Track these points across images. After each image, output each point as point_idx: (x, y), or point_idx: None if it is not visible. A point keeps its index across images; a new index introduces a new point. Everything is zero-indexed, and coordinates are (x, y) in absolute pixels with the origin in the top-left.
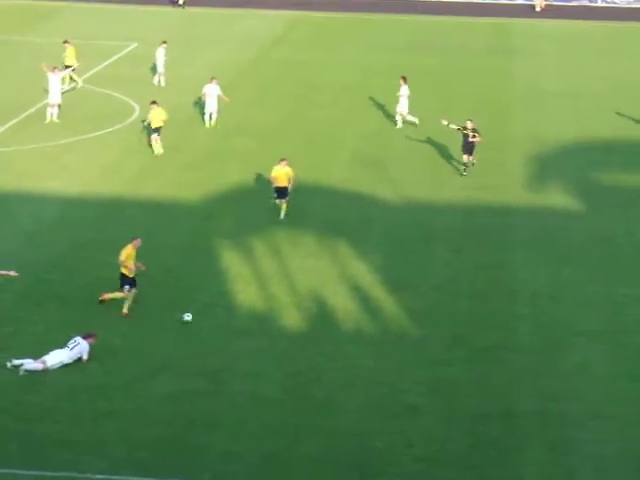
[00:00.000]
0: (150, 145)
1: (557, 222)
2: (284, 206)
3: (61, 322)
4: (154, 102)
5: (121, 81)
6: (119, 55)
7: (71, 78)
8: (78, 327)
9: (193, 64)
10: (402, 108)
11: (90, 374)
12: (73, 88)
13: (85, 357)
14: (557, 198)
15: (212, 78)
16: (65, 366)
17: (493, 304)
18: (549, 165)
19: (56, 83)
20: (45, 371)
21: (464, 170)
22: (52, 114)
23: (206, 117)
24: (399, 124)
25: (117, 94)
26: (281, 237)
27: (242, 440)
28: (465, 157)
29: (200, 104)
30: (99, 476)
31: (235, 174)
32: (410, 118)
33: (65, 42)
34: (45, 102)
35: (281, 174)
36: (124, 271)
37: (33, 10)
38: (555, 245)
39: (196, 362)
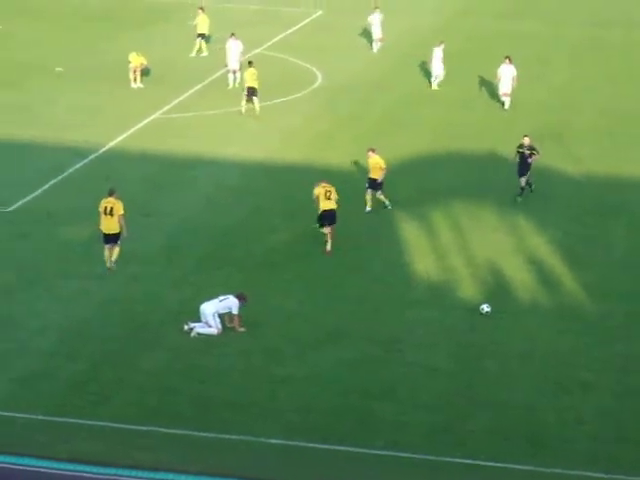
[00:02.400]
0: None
1: None
2: (381, 197)
3: (239, 287)
4: (250, 62)
5: (305, 49)
6: (304, 22)
7: (200, 47)
8: (256, 291)
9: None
10: (505, 89)
11: (265, 338)
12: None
13: (235, 311)
14: None
15: (441, 42)
16: (236, 330)
17: None
18: None
19: (235, 49)
20: (219, 334)
21: (520, 194)
22: (234, 80)
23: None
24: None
25: (300, 61)
26: (461, 210)
27: (414, 410)
28: (522, 180)
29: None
30: (273, 441)
31: (420, 143)
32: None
33: (200, 9)
34: (226, 68)
35: (372, 165)
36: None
37: None
38: None
39: (371, 331)
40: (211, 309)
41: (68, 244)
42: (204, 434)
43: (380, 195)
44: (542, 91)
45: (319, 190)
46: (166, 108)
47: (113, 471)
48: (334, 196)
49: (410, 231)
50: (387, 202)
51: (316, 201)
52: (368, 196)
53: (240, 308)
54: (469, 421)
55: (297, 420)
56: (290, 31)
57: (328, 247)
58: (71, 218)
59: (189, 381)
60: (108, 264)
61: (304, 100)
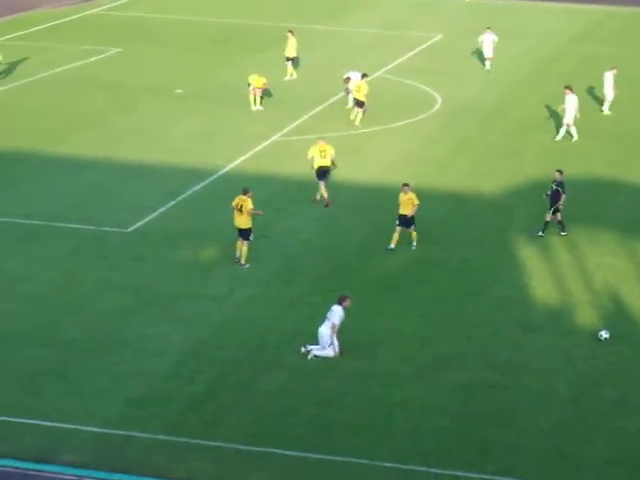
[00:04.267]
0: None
1: None
2: (413, 234)
3: (355, 308)
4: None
5: (424, 72)
6: (423, 46)
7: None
8: (371, 314)
9: (495, 57)
10: (568, 119)
11: (381, 361)
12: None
13: (336, 321)
14: None
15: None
16: (354, 352)
17: None
18: None
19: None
20: (335, 357)
21: (542, 230)
22: (353, 100)
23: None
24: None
25: (420, 84)
26: (579, 234)
27: (530, 436)
28: (548, 215)
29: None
30: (387, 464)
31: (532, 168)
32: (573, 131)
33: (289, 32)
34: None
35: (404, 201)
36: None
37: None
38: None
39: (488, 355)
40: (327, 331)
41: (185, 266)
42: (320, 456)
43: (413, 231)
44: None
45: (315, 149)
46: (285, 130)
47: None
48: (329, 155)
49: (527, 255)
50: (415, 242)
51: (312, 160)
52: (397, 234)
53: (345, 312)
54: (587, 448)
55: (411, 444)
56: (410, 54)
57: (322, 196)
58: (188, 240)
59: (306, 403)
60: (238, 259)
61: (423, 122)
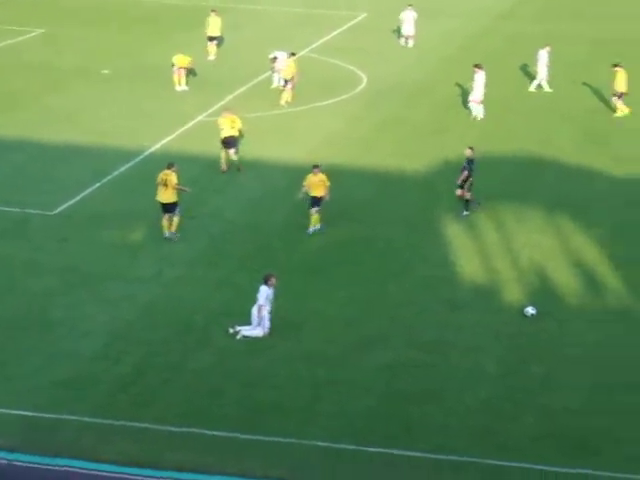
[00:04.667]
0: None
1: None
2: (314, 217)
3: (281, 288)
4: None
5: (349, 51)
6: (348, 25)
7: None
8: (297, 294)
9: (422, 35)
10: (476, 96)
11: (307, 342)
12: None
13: (261, 301)
14: None
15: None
16: (281, 333)
17: None
18: None
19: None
20: (264, 337)
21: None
22: (279, 80)
23: None
24: (474, 113)
25: (345, 64)
26: (506, 211)
27: (458, 414)
28: (459, 191)
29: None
30: (316, 443)
31: (457, 146)
32: (479, 110)
33: (212, 11)
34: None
35: (315, 182)
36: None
37: None
38: None
39: (413, 334)
40: (254, 312)
41: (112, 247)
42: (248, 436)
43: (316, 213)
44: (586, 94)
45: (225, 121)
46: (210, 110)
47: (157, 473)
48: (237, 125)
49: (454, 234)
50: (313, 226)
51: (220, 130)
52: (313, 216)
53: (274, 291)
54: (514, 425)
55: (340, 423)
56: (334, 33)
57: (224, 167)
58: (115, 221)
59: (234, 383)
60: (167, 234)
61: (349, 102)
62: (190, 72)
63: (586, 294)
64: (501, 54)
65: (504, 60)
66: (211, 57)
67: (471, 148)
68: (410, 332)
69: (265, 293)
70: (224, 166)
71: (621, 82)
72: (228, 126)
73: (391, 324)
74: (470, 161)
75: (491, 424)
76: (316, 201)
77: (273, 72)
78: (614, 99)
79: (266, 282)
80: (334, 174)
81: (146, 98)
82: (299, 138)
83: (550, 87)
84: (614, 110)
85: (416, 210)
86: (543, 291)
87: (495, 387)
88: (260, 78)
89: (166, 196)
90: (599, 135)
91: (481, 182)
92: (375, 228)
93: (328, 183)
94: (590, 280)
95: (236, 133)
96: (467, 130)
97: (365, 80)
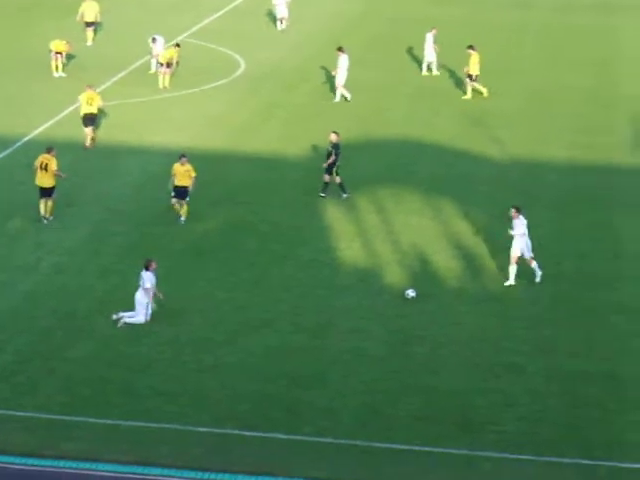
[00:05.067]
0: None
1: None
2: (184, 208)
3: (164, 275)
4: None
5: (227, 35)
6: (226, 9)
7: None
8: (182, 279)
9: (302, 18)
10: (340, 80)
11: (193, 326)
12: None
13: (147, 285)
14: None
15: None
16: (166, 319)
17: (598, 264)
18: None
19: (160, 36)
20: (147, 323)
21: (322, 191)
22: (157, 65)
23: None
24: (337, 98)
25: (222, 48)
26: (385, 194)
27: (344, 396)
28: (326, 176)
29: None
30: (201, 429)
31: (343, 130)
32: (345, 92)
33: None
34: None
35: (181, 172)
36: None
37: None
38: None
39: (298, 317)
40: (142, 297)
41: None
42: (133, 423)
43: (186, 204)
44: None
45: (83, 97)
46: None
47: (41, 462)
48: (96, 103)
49: (335, 217)
50: (184, 217)
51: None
52: (176, 205)
53: (154, 275)
54: (398, 406)
55: (226, 408)
56: (212, 18)
57: (87, 143)
58: None
59: (118, 370)
60: (44, 216)
61: (228, 87)
62: (68, 58)
63: (465, 276)
64: (383, 37)
65: (388, 44)
66: (89, 43)
67: (336, 132)
68: (294, 315)
69: (149, 278)
70: (87, 143)
71: (474, 64)
72: (85, 102)
73: (276, 307)
74: (335, 145)
75: (375, 405)
76: (181, 191)
77: (152, 57)
78: (467, 81)
79: (147, 268)
80: (217, 158)
81: (23, 85)
82: (181, 123)
83: (437, 70)
84: (465, 92)
85: (298, 193)
86: (423, 273)
87: (379, 369)
88: (138, 63)
89: (45, 180)
90: (477, 118)
91: (362, 166)
92: (259, 212)
93: (194, 174)
94: (469, 262)
95: (95, 110)
96: (346, 114)
97: (243, 65)
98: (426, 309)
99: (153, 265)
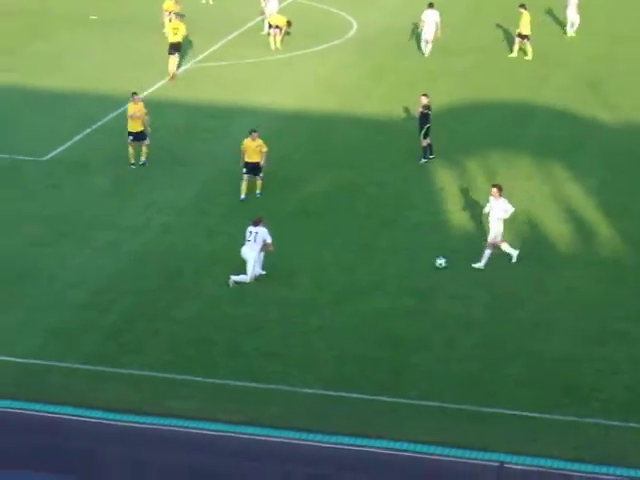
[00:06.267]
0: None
1: None
2: (258, 183)
3: (273, 236)
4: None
5: None
6: None
7: None
8: (290, 241)
9: None
10: (428, 35)
11: (300, 288)
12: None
13: (269, 240)
14: None
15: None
16: (273, 280)
17: None
18: None
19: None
20: (253, 283)
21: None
22: (268, 26)
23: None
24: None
25: (335, 9)
26: (495, 158)
27: (448, 361)
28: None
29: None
30: (307, 390)
31: (454, 94)
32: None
33: None
34: (262, 16)
35: (252, 147)
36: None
37: None
38: None
39: (405, 281)
40: (252, 255)
41: (102, 195)
42: (239, 383)
43: (260, 179)
44: (579, 39)
45: (170, 27)
46: (201, 57)
47: (148, 419)
48: (181, 32)
49: (445, 181)
50: (260, 190)
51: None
52: (245, 182)
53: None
54: (503, 372)
55: (332, 370)
56: None
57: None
58: (105, 167)
59: (224, 331)
60: (133, 161)
61: (339, 48)
62: (179, 17)
63: (574, 241)
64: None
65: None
66: (204, 1)
67: (426, 95)
68: (402, 278)
69: (266, 232)
70: (171, 71)
71: (525, 24)
72: (171, 33)
73: (385, 270)
74: (427, 107)
75: (480, 370)
76: (253, 167)
77: (264, 18)
78: (517, 40)
79: (257, 224)
80: (325, 120)
81: (135, 44)
82: (290, 85)
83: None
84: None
85: (406, 157)
86: (533, 237)
87: (483, 334)
88: (250, 24)
89: (136, 125)
90: (591, 81)
91: (471, 129)
92: (367, 174)
93: (265, 149)
94: (579, 227)
95: (180, 39)
96: (455, 77)
97: (355, 26)
98: (533, 273)
99: (264, 222)
